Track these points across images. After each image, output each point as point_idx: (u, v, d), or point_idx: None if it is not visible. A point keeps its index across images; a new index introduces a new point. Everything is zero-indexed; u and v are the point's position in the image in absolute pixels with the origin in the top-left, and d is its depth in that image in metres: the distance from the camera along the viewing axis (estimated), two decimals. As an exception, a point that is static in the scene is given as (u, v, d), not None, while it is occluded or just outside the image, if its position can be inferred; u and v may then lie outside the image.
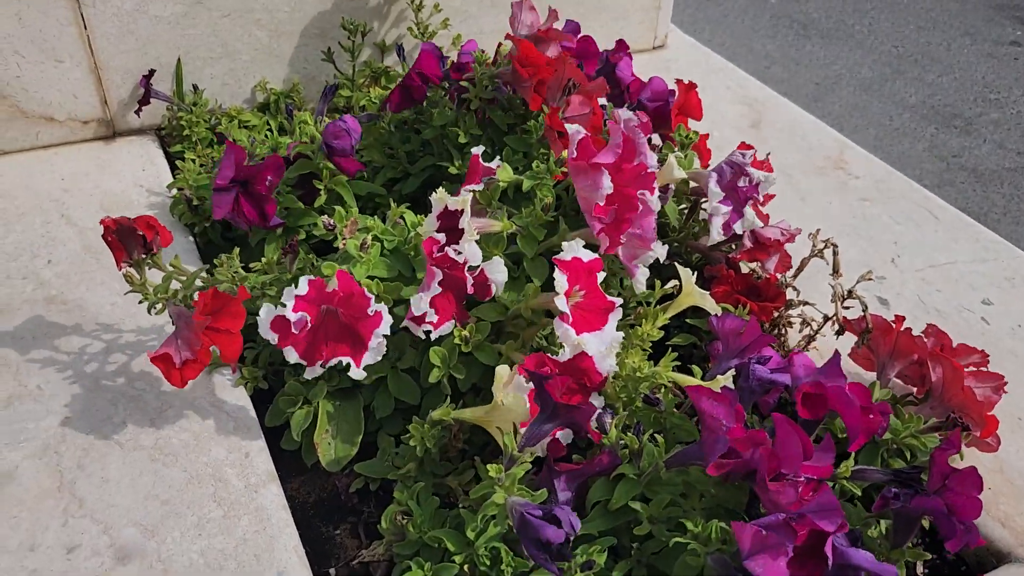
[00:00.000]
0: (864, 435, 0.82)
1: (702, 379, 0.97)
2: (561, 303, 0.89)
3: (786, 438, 0.78)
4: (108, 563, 0.89)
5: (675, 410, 0.95)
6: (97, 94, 1.48)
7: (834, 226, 1.18)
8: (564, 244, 0.92)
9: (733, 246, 1.22)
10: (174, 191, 1.36)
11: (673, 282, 1.16)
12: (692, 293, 1.02)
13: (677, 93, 1.32)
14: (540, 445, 0.87)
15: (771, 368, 0.97)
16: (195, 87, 1.52)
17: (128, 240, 0.98)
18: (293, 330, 0.91)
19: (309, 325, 0.92)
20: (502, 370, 0.87)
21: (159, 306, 0.99)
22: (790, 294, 1.14)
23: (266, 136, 1.38)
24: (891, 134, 2.96)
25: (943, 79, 3.30)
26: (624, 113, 1.08)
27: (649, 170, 1.04)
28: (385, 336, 0.94)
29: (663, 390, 0.98)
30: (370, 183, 1.32)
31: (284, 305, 0.91)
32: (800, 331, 1.12)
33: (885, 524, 0.90)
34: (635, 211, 1.01)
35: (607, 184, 0.98)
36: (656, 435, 0.87)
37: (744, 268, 1.20)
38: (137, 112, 1.49)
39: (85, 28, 1.41)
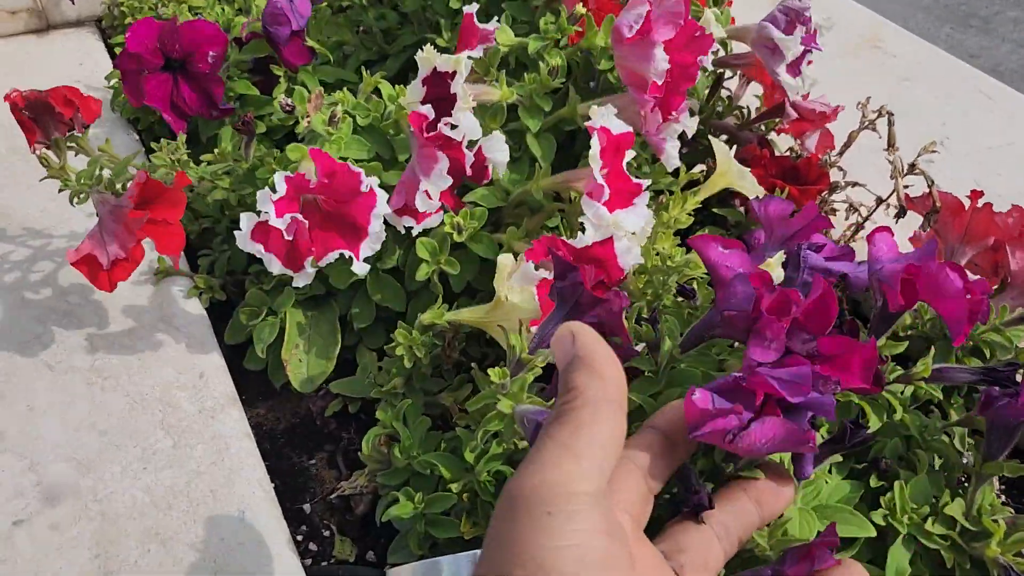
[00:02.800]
0: (969, 324, 0.66)
1: (741, 270, 0.81)
2: (597, 170, 0.72)
3: (823, 292, 0.59)
4: (34, 504, 0.74)
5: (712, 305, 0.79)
6: (23, -23, 1.28)
7: (876, 106, 1.02)
8: (594, 109, 0.75)
9: (763, 127, 1.05)
10: (113, 82, 1.17)
11: (699, 166, 1.00)
12: (730, 171, 0.85)
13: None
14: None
15: (826, 256, 0.81)
16: (137, -32, 1.32)
17: (44, 118, 0.81)
18: (285, 236, 0.74)
19: (304, 224, 0.75)
20: (505, 259, 0.71)
21: (83, 196, 0.82)
22: (834, 176, 0.97)
23: (218, 14, 1.19)
24: (904, 36, 2.76)
25: (957, -22, 3.09)
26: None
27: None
28: (384, 217, 0.77)
29: (697, 283, 0.82)
30: (340, 68, 1.14)
31: (266, 212, 0.73)
32: (846, 218, 0.96)
33: (960, 432, 0.75)
34: (691, 81, 0.84)
35: (662, 56, 0.80)
36: (672, 318, 0.70)
37: (777, 151, 1.03)
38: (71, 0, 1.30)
39: None
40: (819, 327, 0.57)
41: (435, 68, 0.77)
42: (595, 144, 0.73)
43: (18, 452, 0.78)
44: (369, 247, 0.77)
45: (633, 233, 0.79)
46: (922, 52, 1.36)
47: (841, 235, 0.97)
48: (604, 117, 0.76)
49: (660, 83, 0.79)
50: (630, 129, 0.78)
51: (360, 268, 0.78)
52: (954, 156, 1.15)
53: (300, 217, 0.75)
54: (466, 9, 0.89)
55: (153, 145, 0.90)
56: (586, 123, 0.75)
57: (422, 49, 0.79)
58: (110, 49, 1.32)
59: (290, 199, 0.76)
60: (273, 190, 0.74)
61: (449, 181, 0.75)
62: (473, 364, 0.70)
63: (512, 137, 0.87)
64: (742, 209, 0.99)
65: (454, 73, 0.76)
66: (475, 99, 0.82)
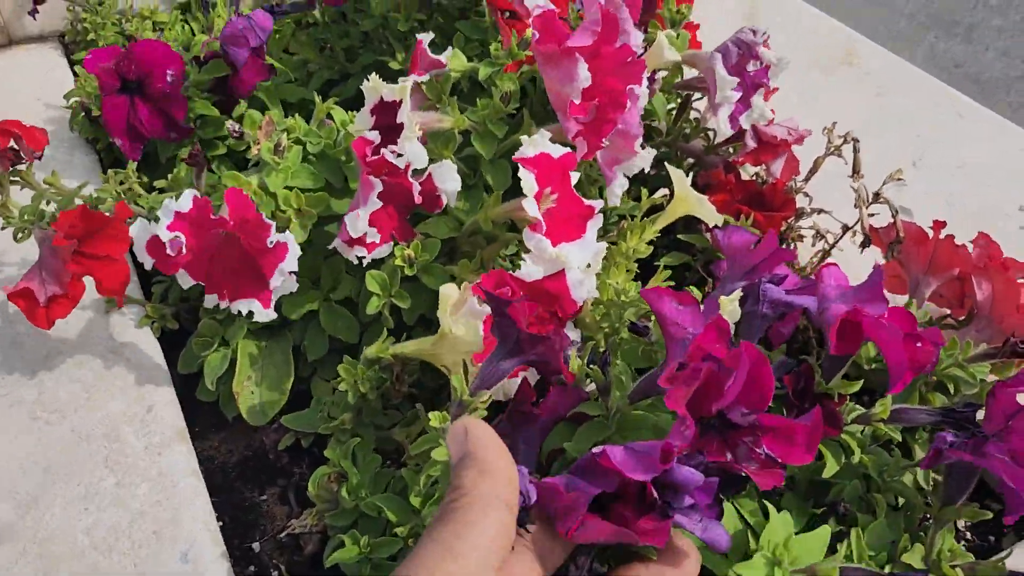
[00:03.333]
0: (911, 372, 0.65)
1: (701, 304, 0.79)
2: (531, 207, 0.71)
3: (753, 362, 0.57)
4: (-30, 547, 0.72)
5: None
6: (-17, -8, 1.26)
7: (846, 126, 1.00)
8: (525, 138, 0.73)
9: (731, 149, 1.03)
10: (71, 101, 1.15)
11: (662, 191, 0.98)
12: (687, 198, 0.83)
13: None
14: (501, 388, 0.70)
15: (787, 288, 0.79)
16: (101, -17, 1.30)
17: (-15, 151, 0.79)
18: (168, 252, 0.72)
19: (183, 250, 0.73)
20: (448, 290, 0.69)
21: (26, 231, 0.80)
22: (801, 201, 0.95)
23: (178, 33, 1.17)
24: (887, 43, 2.73)
25: (942, -15, 3.08)
26: (603, -22, 0.88)
27: (637, 54, 0.84)
28: (293, 272, 0.76)
29: (653, 319, 0.80)
30: (302, 87, 1.12)
31: (159, 220, 0.72)
32: (813, 244, 0.95)
33: (922, 473, 0.74)
34: (621, 110, 0.81)
35: (584, 75, 0.78)
36: (632, 368, 0.68)
37: (745, 175, 1.01)
38: (32, 14, 1.27)
39: (-40, -90, 1.19)
40: (755, 402, 0.56)
41: (382, 97, 0.76)
42: (527, 180, 0.72)
43: (-43, 491, 0.76)
44: (276, 297, 0.78)
45: (588, 265, 0.77)
46: (896, 68, 1.34)
47: (808, 262, 0.95)
48: (538, 144, 0.74)
49: (578, 102, 0.77)
50: (568, 150, 0.76)
51: (263, 316, 0.78)
52: (926, 173, 1.14)
53: (183, 240, 0.73)
54: (419, 36, 0.87)
55: (101, 176, 0.88)
56: (515, 155, 0.73)
57: (367, 79, 0.77)
58: (72, 65, 1.29)
59: (192, 221, 0.74)
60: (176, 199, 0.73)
61: (378, 204, 0.73)
62: (419, 404, 0.68)
63: (467, 163, 0.85)
64: (708, 236, 0.97)
65: (400, 102, 0.75)
66: (427, 127, 0.80)
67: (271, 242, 0.73)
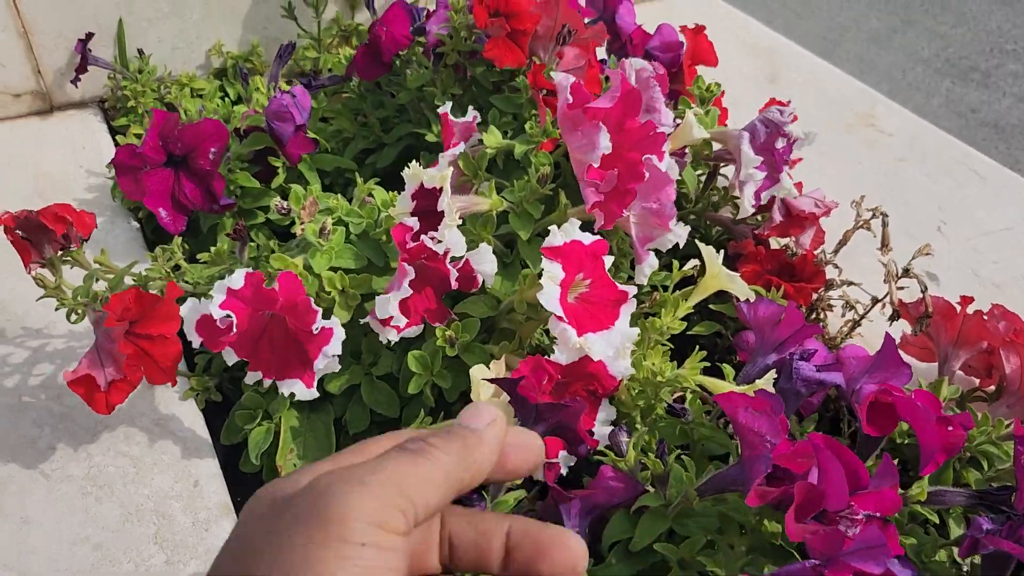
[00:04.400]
0: (943, 454, 0.66)
1: (735, 380, 0.81)
2: (551, 301, 0.72)
3: (828, 467, 0.61)
4: (25, 625, 0.74)
5: (704, 419, 0.79)
6: (28, 62, 1.30)
7: (867, 190, 1.01)
8: (553, 229, 0.75)
9: (759, 218, 1.05)
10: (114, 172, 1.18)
11: (693, 262, 1.00)
12: (718, 276, 0.85)
13: (685, 41, 1.14)
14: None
15: (817, 364, 0.81)
16: (140, 52, 1.34)
17: (38, 236, 0.82)
18: (219, 329, 0.74)
19: (234, 329, 0.75)
20: (478, 371, 0.72)
21: (80, 311, 0.83)
22: (830, 272, 0.97)
23: (218, 105, 1.20)
24: (905, 89, 2.78)
25: (956, 30, 3.11)
26: (636, 62, 0.91)
27: (660, 129, 0.86)
28: (336, 355, 0.78)
29: (689, 395, 0.82)
30: (338, 156, 1.15)
31: (211, 298, 0.74)
32: (843, 315, 0.96)
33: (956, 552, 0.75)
34: (639, 180, 0.84)
35: (604, 141, 0.80)
36: (683, 455, 0.70)
37: (774, 244, 1.03)
38: (75, 82, 1.31)
39: (8, -14, 1.23)
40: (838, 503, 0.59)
41: (422, 184, 0.78)
42: (552, 271, 0.73)
43: (11, 567, 0.78)
44: (317, 377, 0.80)
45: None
46: (915, 130, 1.36)
47: (838, 331, 0.97)
48: (568, 233, 0.76)
49: (596, 166, 0.80)
50: (599, 238, 0.78)
51: (306, 394, 0.80)
52: (951, 243, 1.16)
53: (234, 318, 0.75)
54: (440, 110, 0.90)
55: (148, 255, 0.90)
56: (542, 247, 0.74)
57: (408, 166, 0.79)
58: (113, 131, 1.33)
59: (244, 300, 0.76)
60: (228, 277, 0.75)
61: (409, 292, 0.75)
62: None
63: (504, 240, 0.88)
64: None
65: (440, 189, 0.77)
66: (463, 211, 0.83)
67: (317, 327, 0.76)
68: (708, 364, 0.80)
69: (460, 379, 0.82)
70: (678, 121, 0.96)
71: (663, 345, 0.87)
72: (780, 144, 0.89)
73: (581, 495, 0.69)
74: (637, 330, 0.78)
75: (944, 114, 2.64)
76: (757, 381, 0.75)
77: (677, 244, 0.90)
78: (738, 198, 1.06)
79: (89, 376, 0.75)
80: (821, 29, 3.09)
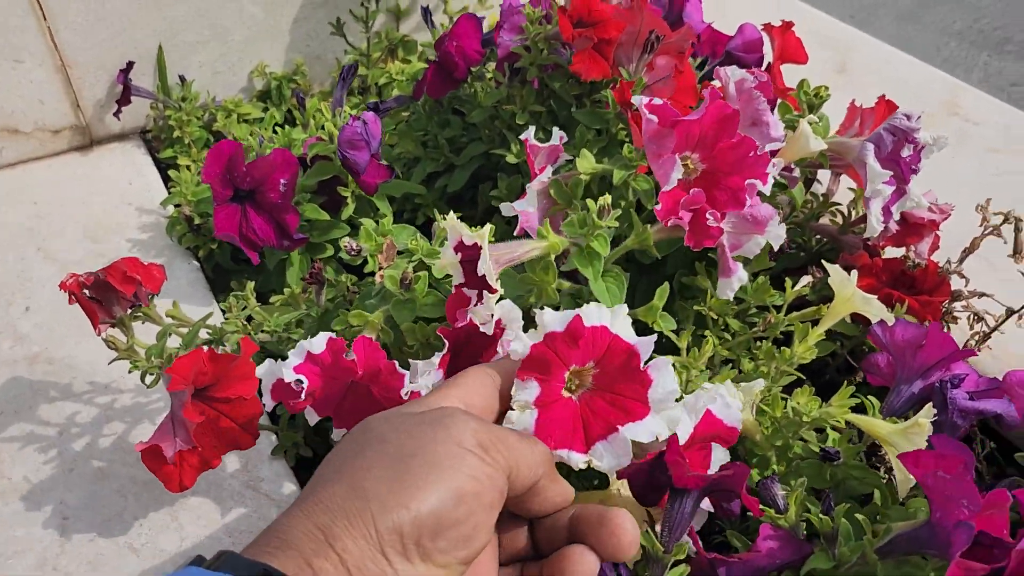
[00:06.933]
0: None
1: (880, 412, 0.74)
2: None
3: None
4: None
5: (855, 459, 0.72)
6: (67, 97, 1.24)
7: (961, 187, 0.94)
8: (538, 313, 0.58)
9: (862, 227, 0.98)
10: (170, 208, 1.12)
11: (805, 279, 0.94)
12: (851, 298, 0.78)
13: (775, 39, 1.07)
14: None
15: (969, 391, 0.74)
16: (182, 78, 1.28)
17: (106, 296, 0.75)
18: (293, 387, 0.66)
19: (306, 393, 0.67)
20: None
21: (155, 373, 0.76)
22: (955, 283, 0.90)
23: (275, 131, 1.14)
24: (941, 66, 2.67)
25: (988, 0, 3.03)
26: (734, 72, 0.84)
27: (765, 148, 0.77)
28: None
29: (829, 431, 0.75)
30: (406, 181, 1.08)
31: (286, 360, 0.67)
32: (971, 327, 0.90)
33: None
34: (739, 207, 0.76)
35: (675, 174, 0.73)
36: (857, 516, 0.63)
37: (885, 254, 0.96)
38: (116, 114, 1.25)
39: (44, 18, 1.17)
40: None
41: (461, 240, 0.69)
42: (517, 401, 0.57)
43: (111, 658, 0.72)
44: None
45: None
46: (1007, 118, 1.29)
47: (965, 343, 0.90)
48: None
49: (670, 190, 0.73)
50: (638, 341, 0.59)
51: None
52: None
53: (305, 382, 0.67)
54: (523, 136, 0.83)
55: (222, 306, 0.84)
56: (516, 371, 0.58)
57: (451, 211, 0.71)
58: (158, 163, 1.27)
59: (322, 365, 0.68)
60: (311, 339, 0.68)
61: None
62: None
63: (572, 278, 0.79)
64: (852, 323, 0.92)
65: (479, 247, 0.65)
66: (514, 261, 0.73)
67: (405, 392, 0.68)
68: (858, 400, 0.74)
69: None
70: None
71: (790, 375, 0.80)
72: (906, 152, 0.82)
73: (744, 559, 0.63)
74: (676, 386, 0.58)
75: (985, 89, 2.53)
76: (920, 419, 0.68)
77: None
78: (838, 204, 1.00)
79: (157, 447, 0.68)
80: (851, 8, 3.01)
